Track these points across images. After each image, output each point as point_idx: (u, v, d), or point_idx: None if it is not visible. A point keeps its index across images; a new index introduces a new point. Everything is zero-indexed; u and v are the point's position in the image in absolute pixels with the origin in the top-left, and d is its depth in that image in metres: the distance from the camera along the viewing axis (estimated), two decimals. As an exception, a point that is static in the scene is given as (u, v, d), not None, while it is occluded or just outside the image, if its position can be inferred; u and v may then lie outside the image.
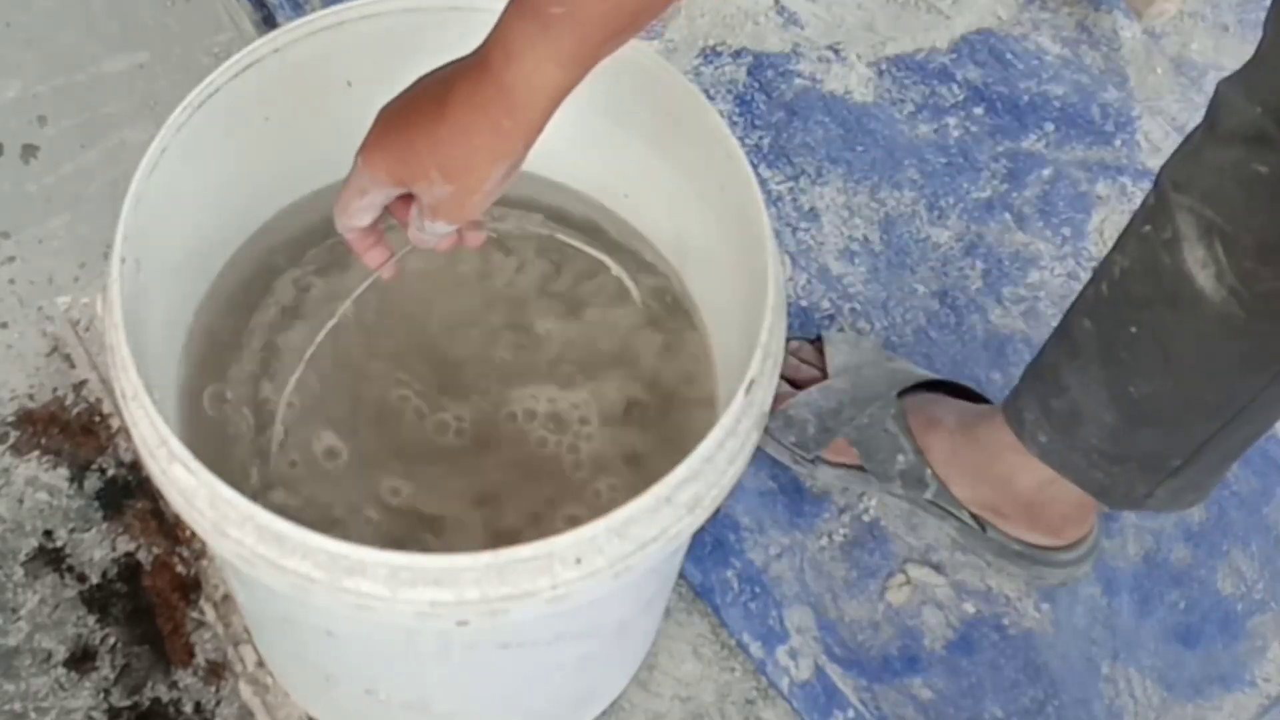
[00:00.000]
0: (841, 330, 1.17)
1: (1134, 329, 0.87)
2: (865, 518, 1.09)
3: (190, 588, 1.00)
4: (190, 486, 0.65)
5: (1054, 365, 0.94)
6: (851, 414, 1.05)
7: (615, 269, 0.85)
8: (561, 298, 0.89)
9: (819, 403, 1.06)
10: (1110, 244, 0.90)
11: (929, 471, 1.04)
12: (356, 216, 0.70)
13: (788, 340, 1.09)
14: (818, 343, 1.11)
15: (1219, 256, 0.80)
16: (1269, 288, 0.79)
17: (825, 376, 1.08)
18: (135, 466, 1.04)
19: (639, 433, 0.85)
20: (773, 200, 1.23)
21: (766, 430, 1.04)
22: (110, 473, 1.04)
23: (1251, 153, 0.78)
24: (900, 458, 1.05)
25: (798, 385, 1.08)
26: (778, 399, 1.05)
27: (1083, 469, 0.96)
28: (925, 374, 1.08)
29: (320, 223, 0.88)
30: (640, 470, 0.83)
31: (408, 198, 0.69)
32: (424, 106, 0.64)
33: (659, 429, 0.85)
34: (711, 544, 1.06)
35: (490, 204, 0.67)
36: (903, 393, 1.06)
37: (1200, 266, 0.81)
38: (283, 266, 0.87)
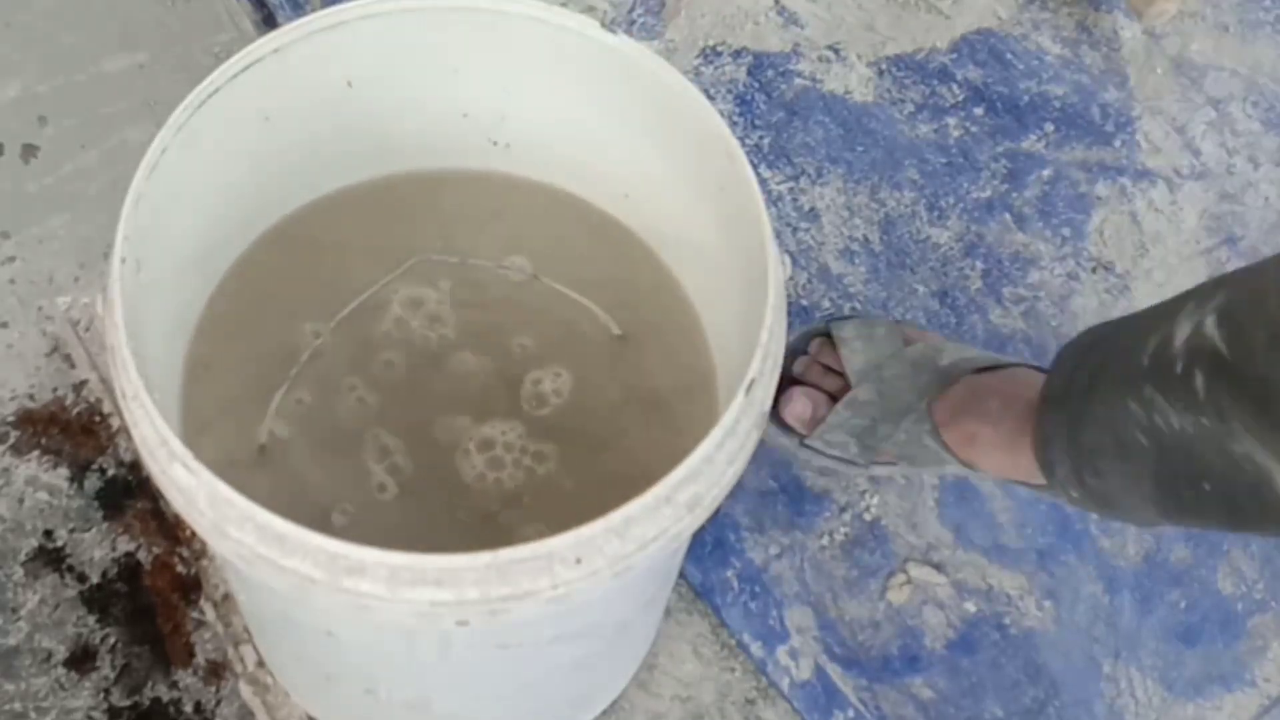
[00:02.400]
0: (847, 318, 1.09)
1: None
2: (866, 516, 1.09)
3: (190, 588, 1.00)
4: (190, 486, 0.64)
5: (1099, 450, 0.86)
6: (888, 431, 1.01)
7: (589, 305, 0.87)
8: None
9: (852, 421, 1.01)
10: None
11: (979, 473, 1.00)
12: None
13: (808, 344, 1.08)
14: (828, 337, 1.06)
15: None
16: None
17: (846, 380, 1.03)
18: (135, 466, 1.04)
19: (636, 429, 0.85)
20: (773, 200, 1.23)
21: (812, 447, 1.02)
22: (110, 473, 1.04)
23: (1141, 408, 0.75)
24: (948, 468, 1.01)
25: (825, 391, 1.04)
26: (811, 419, 1.02)
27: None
28: (947, 366, 1.01)
29: (322, 232, 0.88)
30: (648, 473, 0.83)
31: None
32: None
33: (658, 427, 0.85)
34: (711, 544, 1.06)
35: None
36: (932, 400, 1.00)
37: None
38: (287, 274, 0.88)
